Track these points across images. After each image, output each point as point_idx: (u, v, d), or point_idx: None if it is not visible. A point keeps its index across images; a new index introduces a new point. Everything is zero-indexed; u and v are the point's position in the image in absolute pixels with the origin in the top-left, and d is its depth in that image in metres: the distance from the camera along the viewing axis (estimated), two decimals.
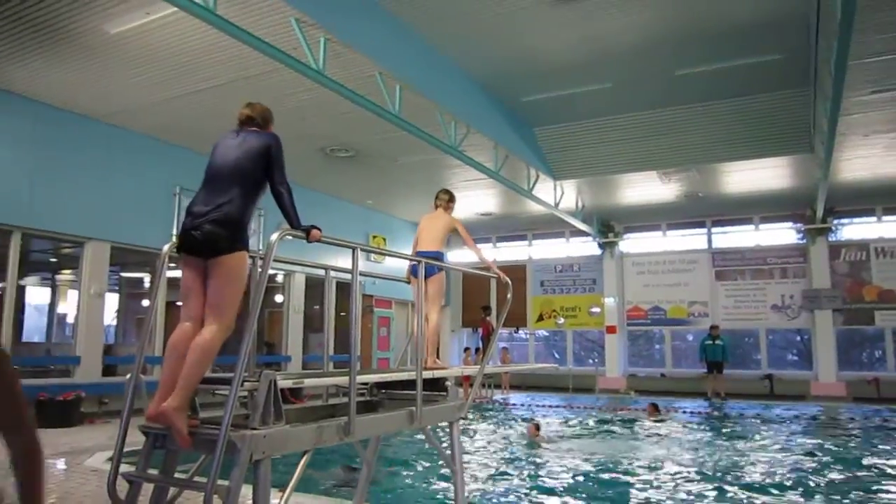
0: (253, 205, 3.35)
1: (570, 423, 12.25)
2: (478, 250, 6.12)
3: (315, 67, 7.73)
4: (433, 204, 6.29)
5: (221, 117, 10.22)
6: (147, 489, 3.17)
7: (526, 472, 7.62)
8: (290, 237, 3.25)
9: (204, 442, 2.96)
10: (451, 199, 6.27)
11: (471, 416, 12.90)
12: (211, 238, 3.18)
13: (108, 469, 3.17)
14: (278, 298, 15.43)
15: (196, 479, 3.35)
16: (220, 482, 2.68)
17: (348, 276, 3.56)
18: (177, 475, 3.30)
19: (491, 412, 13.96)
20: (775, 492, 6.75)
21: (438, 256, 5.76)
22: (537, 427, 9.86)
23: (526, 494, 6.62)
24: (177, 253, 3.30)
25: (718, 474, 7.56)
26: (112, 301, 14.79)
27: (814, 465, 8.27)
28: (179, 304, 3.47)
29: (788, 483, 7.13)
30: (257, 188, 3.37)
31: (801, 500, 6.47)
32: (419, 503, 6.40)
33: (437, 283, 5.83)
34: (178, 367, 3.10)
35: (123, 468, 3.10)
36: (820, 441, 10.16)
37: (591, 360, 20.60)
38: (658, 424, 11.73)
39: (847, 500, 6.42)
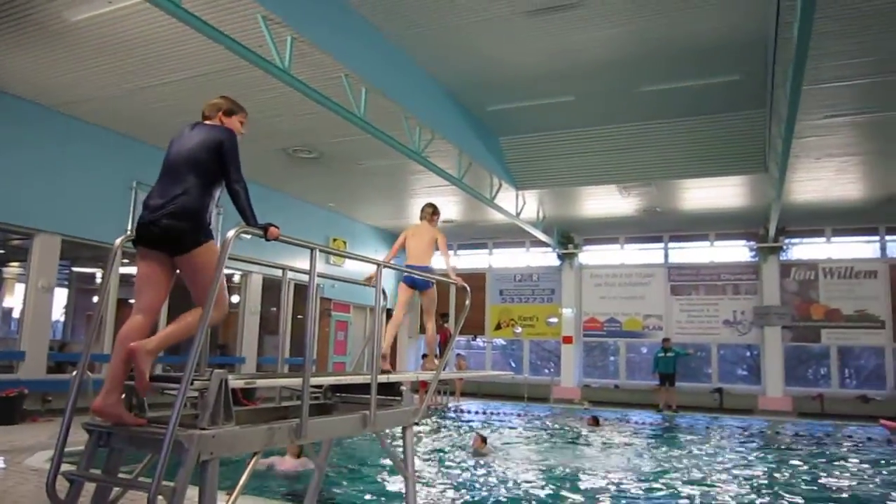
0: (209, 197, 3.31)
1: (518, 432, 12.34)
2: (448, 262, 6.43)
3: (281, 66, 7.65)
4: (419, 216, 6.71)
5: (183, 113, 10.06)
6: (89, 490, 3.08)
7: (470, 482, 7.62)
8: (248, 236, 3.20)
9: (150, 441, 2.90)
10: (436, 211, 6.71)
11: (426, 422, 12.87)
12: (172, 233, 3.14)
13: (48, 468, 3.06)
14: (234, 299, 15.20)
15: (141, 479, 3.27)
16: (165, 483, 2.62)
17: (306, 277, 3.53)
18: (121, 475, 3.22)
19: (444, 419, 13.96)
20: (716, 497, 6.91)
21: (429, 270, 6.17)
22: (483, 439, 9.61)
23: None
24: (133, 246, 3.24)
25: (654, 484, 7.71)
26: (61, 296, 14.38)
27: (748, 475, 8.48)
28: (133, 301, 3.39)
29: (722, 490, 7.34)
30: (213, 181, 3.33)
31: None
32: None
33: (432, 294, 6.35)
34: (127, 360, 3.03)
35: (65, 468, 3.01)
36: (757, 451, 10.43)
37: (546, 370, 20.75)
38: (602, 436, 11.92)
39: None
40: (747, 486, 7.78)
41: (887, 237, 17.34)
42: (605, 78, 10.35)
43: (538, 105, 11.41)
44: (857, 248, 17.72)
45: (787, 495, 7.37)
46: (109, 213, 11.46)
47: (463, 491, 7.09)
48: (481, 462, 8.80)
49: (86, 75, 9.53)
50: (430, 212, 6.66)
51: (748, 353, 18.91)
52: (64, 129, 11.02)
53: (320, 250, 3.52)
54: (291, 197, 16.08)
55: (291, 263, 4.48)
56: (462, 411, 15.43)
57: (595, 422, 13.27)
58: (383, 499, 6.76)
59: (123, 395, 3.13)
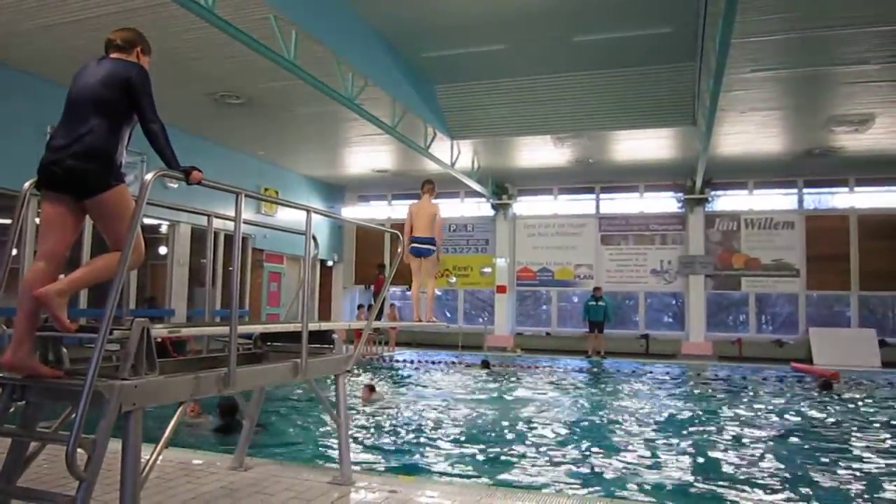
0: (117, 137, 3.10)
1: (422, 378, 12.73)
2: (440, 235, 7.97)
3: (204, 4, 7.27)
4: (420, 192, 8.12)
5: (100, 53, 9.49)
6: (4, 446, 2.96)
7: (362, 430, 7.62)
8: (174, 184, 3.07)
9: (68, 393, 2.79)
10: (434, 186, 8.14)
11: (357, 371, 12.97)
12: (78, 175, 2.95)
13: None
14: (162, 251, 14.72)
15: (60, 433, 3.15)
16: (85, 436, 2.53)
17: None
18: (39, 430, 3.10)
19: (379, 369, 14.08)
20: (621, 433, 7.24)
21: (432, 241, 7.76)
22: (371, 388, 9.60)
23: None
24: (37, 189, 3.05)
25: (537, 425, 7.99)
26: None
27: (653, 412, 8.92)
28: None
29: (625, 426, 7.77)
30: (121, 119, 3.12)
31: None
32: (301, 454, 6.36)
33: (433, 260, 7.87)
34: (33, 310, 2.88)
35: None
36: (676, 391, 10.98)
37: (480, 319, 21.08)
38: (502, 381, 12.34)
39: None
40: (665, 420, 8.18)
41: (805, 190, 18.15)
42: (539, 27, 10.27)
43: (473, 53, 11.26)
44: (777, 201, 18.51)
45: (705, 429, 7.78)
46: (24, 160, 10.68)
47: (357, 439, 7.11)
48: (370, 411, 8.76)
49: None
50: (431, 187, 8.08)
51: (673, 301, 19.66)
52: None
53: (246, 195, 3.41)
54: (219, 145, 15.49)
55: (221, 213, 4.35)
56: (395, 361, 15.58)
57: (486, 365, 13.88)
58: (315, 442, 6.81)
59: (38, 352, 2.99)
